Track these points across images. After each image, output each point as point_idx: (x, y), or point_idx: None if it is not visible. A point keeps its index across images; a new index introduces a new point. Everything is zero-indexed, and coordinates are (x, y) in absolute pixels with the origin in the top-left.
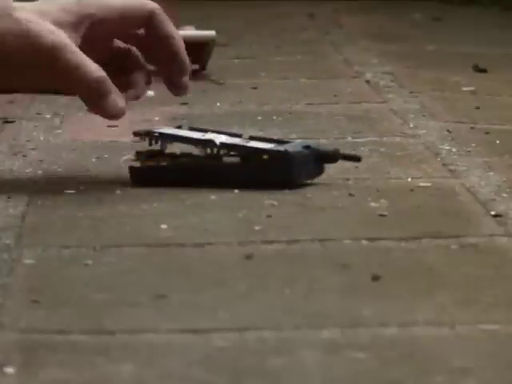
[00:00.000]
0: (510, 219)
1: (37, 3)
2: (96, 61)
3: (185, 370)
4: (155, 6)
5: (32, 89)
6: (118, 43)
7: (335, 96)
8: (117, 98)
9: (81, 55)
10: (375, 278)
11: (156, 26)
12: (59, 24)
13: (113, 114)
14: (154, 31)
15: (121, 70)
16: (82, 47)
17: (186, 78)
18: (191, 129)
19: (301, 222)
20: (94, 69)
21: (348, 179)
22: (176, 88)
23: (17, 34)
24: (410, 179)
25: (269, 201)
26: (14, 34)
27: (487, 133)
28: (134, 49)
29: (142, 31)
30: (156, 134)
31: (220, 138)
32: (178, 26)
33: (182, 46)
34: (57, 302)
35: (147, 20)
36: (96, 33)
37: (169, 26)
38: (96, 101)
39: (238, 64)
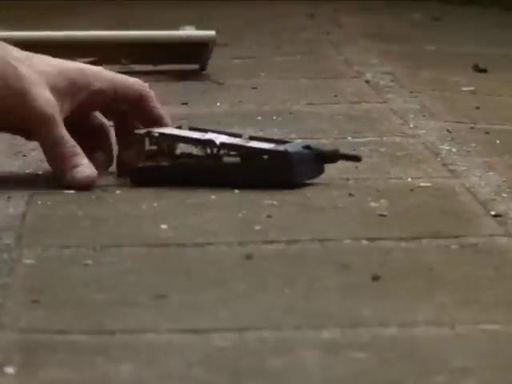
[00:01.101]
0: (510, 219)
1: (37, 60)
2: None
3: (185, 370)
4: (144, 85)
5: None
6: (96, 118)
7: (335, 96)
8: (86, 169)
9: (63, 131)
10: (375, 278)
11: (144, 105)
12: (56, 90)
13: (78, 182)
14: (142, 110)
15: (88, 135)
16: (70, 113)
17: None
18: (191, 129)
19: (301, 222)
20: (70, 144)
21: (348, 179)
22: None
23: (13, 90)
24: (409, 179)
25: (269, 201)
26: (10, 89)
27: (487, 133)
28: (106, 126)
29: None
30: (156, 134)
31: (220, 138)
32: (165, 102)
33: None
34: (57, 302)
35: (137, 98)
36: (87, 102)
37: (157, 106)
38: (66, 170)
39: (238, 64)
